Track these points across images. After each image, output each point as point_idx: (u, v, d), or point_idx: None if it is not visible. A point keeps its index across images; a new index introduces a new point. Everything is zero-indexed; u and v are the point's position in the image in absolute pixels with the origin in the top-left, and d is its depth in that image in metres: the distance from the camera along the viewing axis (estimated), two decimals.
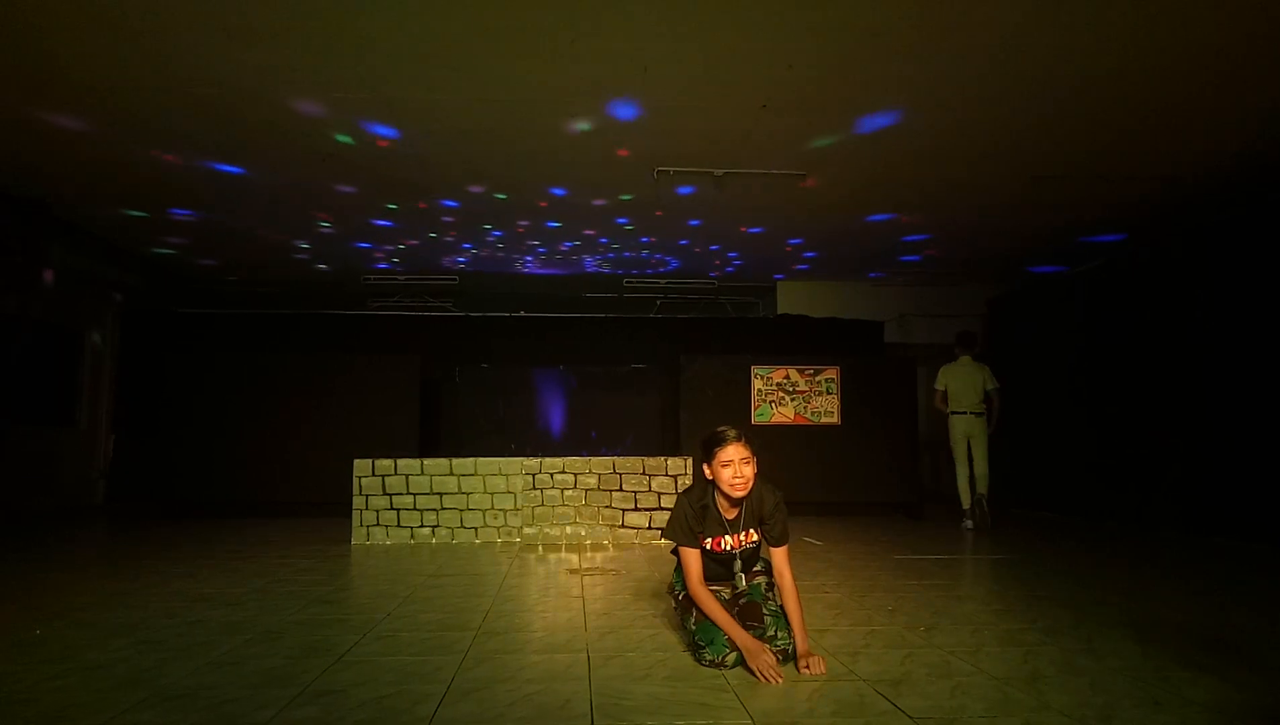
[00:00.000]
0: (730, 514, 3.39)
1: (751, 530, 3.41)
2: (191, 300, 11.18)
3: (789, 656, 3.15)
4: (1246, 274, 7.27)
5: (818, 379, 9.11)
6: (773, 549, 3.37)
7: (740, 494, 3.27)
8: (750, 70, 5.12)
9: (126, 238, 9.15)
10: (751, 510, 3.38)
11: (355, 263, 10.40)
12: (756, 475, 3.32)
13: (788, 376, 9.06)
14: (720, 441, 3.28)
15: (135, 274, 10.04)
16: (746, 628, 3.20)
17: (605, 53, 4.92)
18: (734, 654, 3.08)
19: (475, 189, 7.60)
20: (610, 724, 2.51)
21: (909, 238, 9.11)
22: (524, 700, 2.72)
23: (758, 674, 2.96)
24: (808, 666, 3.05)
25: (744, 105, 5.63)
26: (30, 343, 8.74)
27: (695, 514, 3.36)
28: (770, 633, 3.19)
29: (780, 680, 2.92)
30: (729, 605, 3.37)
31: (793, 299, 11.45)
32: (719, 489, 3.32)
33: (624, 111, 5.76)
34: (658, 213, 8.18)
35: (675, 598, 3.61)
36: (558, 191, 7.57)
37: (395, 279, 11.15)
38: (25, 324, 8.58)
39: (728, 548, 3.41)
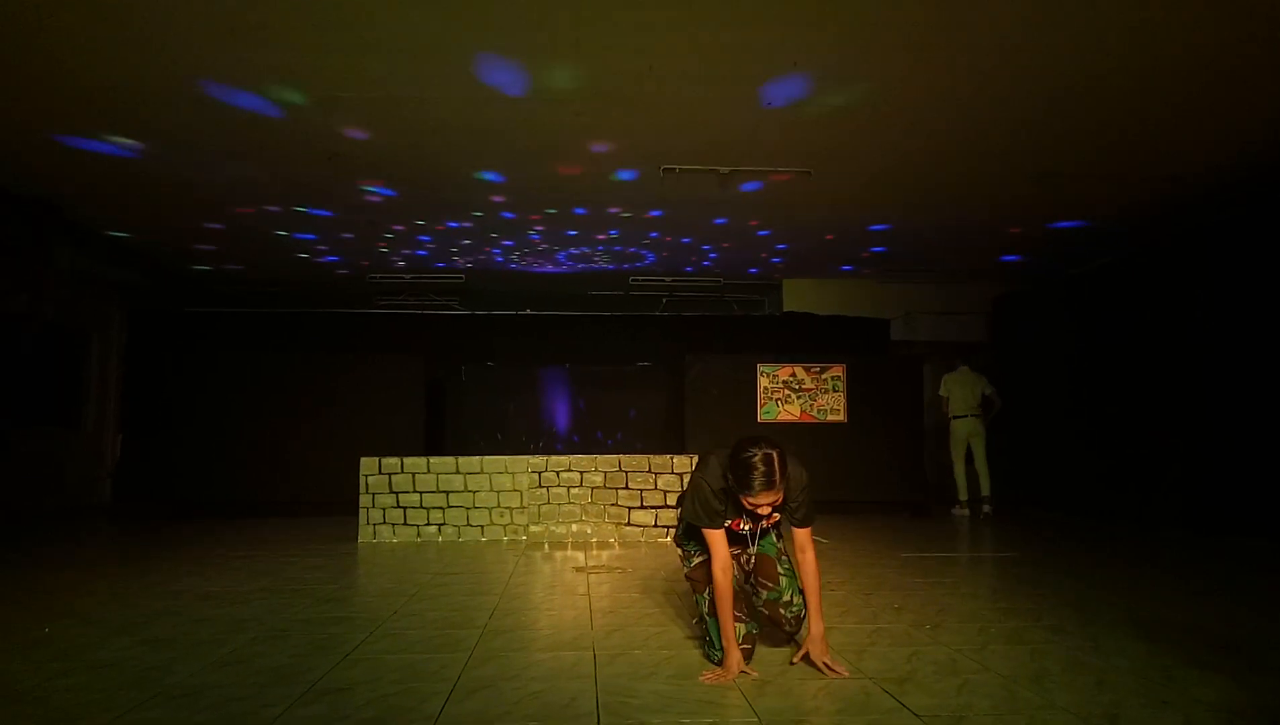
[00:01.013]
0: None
1: (775, 514, 3.18)
2: (197, 300, 11.21)
3: (802, 622, 3.13)
4: (1247, 273, 7.25)
5: (824, 377, 9.10)
6: (795, 529, 3.16)
7: (759, 514, 3.08)
8: (755, 68, 5.11)
9: (133, 238, 9.17)
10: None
11: (360, 261, 10.40)
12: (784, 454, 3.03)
13: (794, 374, 9.05)
14: (749, 484, 2.88)
15: (142, 274, 10.08)
16: (760, 587, 3.18)
17: (610, 52, 4.91)
18: (746, 650, 3.08)
19: (495, 198, 7.64)
20: (616, 722, 2.51)
21: (905, 232, 9.07)
22: (530, 698, 2.72)
23: (713, 674, 2.93)
24: (806, 657, 3.02)
25: (748, 103, 5.62)
26: (37, 343, 8.77)
27: (717, 495, 3.10)
28: (786, 596, 3.14)
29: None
30: (741, 559, 3.30)
31: (798, 297, 11.44)
32: None
33: (628, 110, 5.75)
34: (660, 211, 8.18)
35: (684, 557, 3.41)
36: (559, 190, 7.56)
37: (401, 277, 11.16)
38: (32, 325, 8.60)
39: (746, 529, 3.22)
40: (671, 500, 6.86)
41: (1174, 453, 8.02)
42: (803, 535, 3.15)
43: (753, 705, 2.65)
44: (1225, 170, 6.72)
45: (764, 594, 3.19)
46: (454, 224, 8.75)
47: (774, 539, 3.31)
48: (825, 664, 2.99)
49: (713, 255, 10.24)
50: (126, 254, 9.61)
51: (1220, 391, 7.51)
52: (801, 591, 3.12)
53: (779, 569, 3.19)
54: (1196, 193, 7.26)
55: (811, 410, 9.13)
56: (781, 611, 3.14)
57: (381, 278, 11.10)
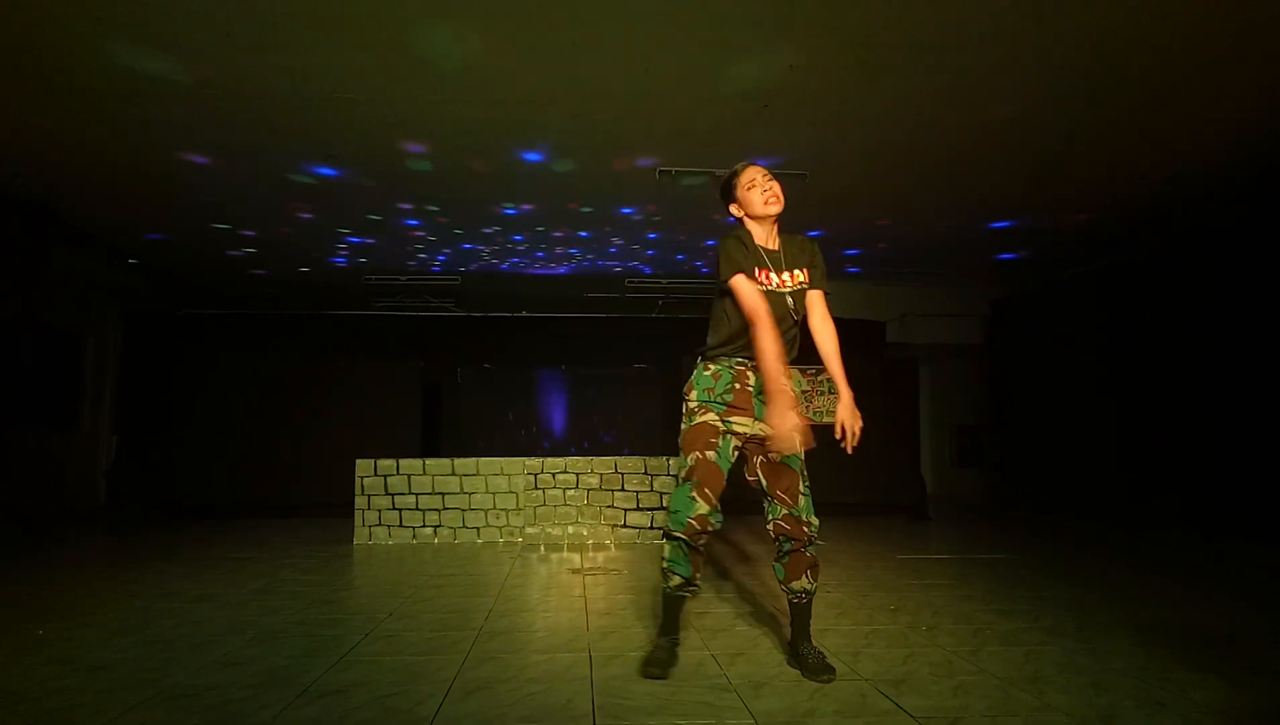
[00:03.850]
0: (772, 245, 3.15)
1: (797, 272, 3.14)
2: (194, 301, 11.19)
3: (815, 542, 3.05)
4: (1247, 274, 7.28)
5: (819, 379, 9.10)
6: (814, 292, 3.18)
7: (776, 208, 3.09)
8: (751, 71, 5.13)
9: (130, 241, 9.15)
10: (793, 252, 3.17)
11: (358, 263, 10.39)
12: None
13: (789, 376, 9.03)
14: (736, 171, 3.18)
15: (139, 276, 10.06)
16: (779, 502, 3.03)
17: (607, 53, 4.92)
18: (679, 579, 3.07)
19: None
20: (612, 724, 2.51)
21: (903, 236, 9.08)
22: (526, 700, 2.72)
23: (776, 433, 2.85)
24: (843, 429, 3.06)
25: (745, 106, 5.63)
26: (34, 345, 8.75)
27: (741, 247, 3.07)
28: (804, 516, 3.02)
29: (801, 448, 2.96)
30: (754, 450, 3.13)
31: None
32: (752, 220, 3.14)
33: (626, 113, 5.76)
34: (655, 213, 8.19)
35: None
36: (559, 192, 7.57)
37: (397, 279, 11.14)
38: (29, 327, 8.58)
39: (776, 284, 3.10)
40: (667, 502, 6.85)
41: (1174, 454, 8.03)
42: (820, 300, 3.21)
43: (749, 707, 2.65)
44: (1225, 170, 6.74)
45: (781, 509, 3.03)
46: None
47: (799, 453, 3.08)
48: (851, 430, 3.06)
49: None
50: (123, 257, 9.59)
51: (1220, 393, 7.53)
52: (810, 505, 3.06)
53: (800, 488, 3.04)
54: (1196, 193, 7.28)
55: (807, 412, 9.13)
56: (805, 530, 3.01)
57: (378, 279, 11.09)
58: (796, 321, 3.18)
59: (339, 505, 7.42)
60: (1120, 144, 6.24)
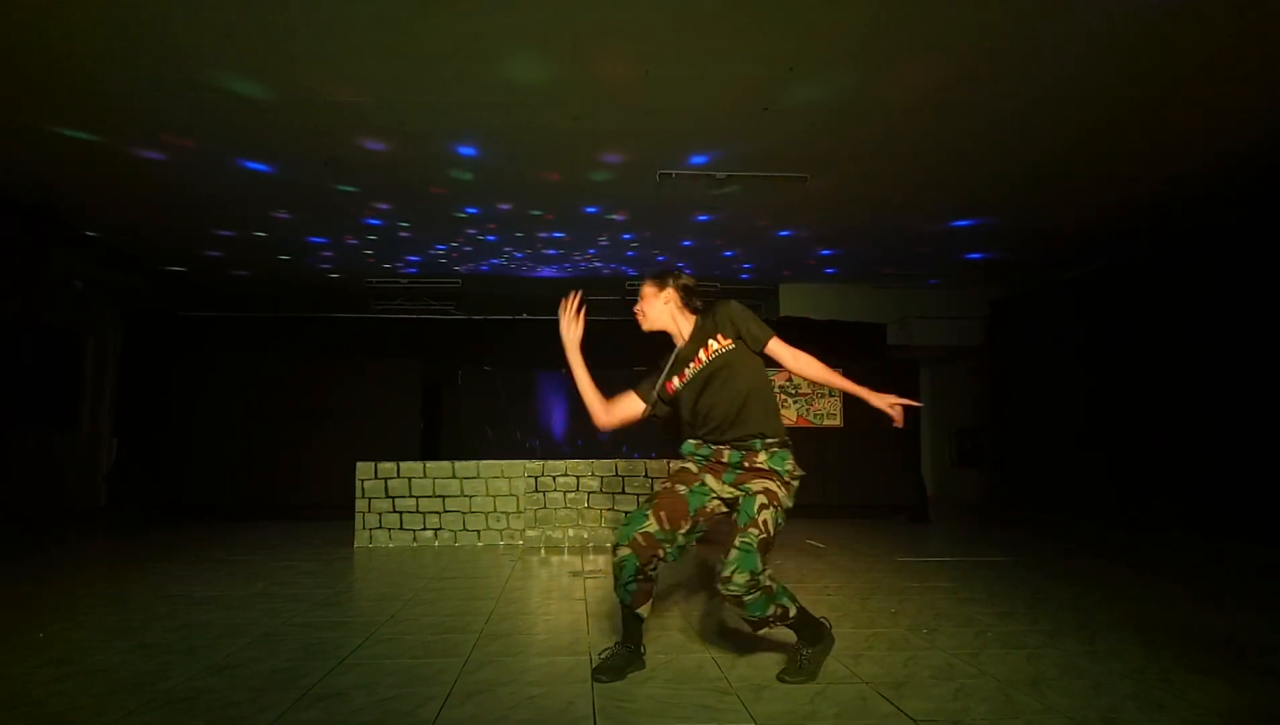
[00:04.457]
0: (684, 337, 3.27)
1: (711, 342, 3.14)
2: (195, 303, 11.18)
3: (741, 603, 2.82)
4: (1248, 275, 7.28)
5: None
6: (771, 348, 3.14)
7: (644, 327, 3.35)
8: (752, 73, 5.12)
9: (130, 242, 9.15)
10: (704, 328, 3.22)
11: (358, 265, 10.39)
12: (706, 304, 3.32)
13: (790, 379, 9.05)
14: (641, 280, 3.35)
15: (139, 277, 10.05)
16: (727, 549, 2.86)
17: (608, 55, 4.91)
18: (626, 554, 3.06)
19: (483, 201, 7.66)
20: None
21: (915, 239, 9.09)
22: (526, 703, 2.72)
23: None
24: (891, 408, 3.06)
25: (746, 108, 5.63)
26: (34, 345, 8.75)
27: (658, 368, 3.31)
28: (727, 572, 2.77)
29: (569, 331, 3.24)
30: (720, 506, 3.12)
31: (795, 301, 11.44)
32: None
33: (625, 113, 5.75)
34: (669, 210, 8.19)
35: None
36: (558, 192, 7.57)
37: (398, 282, 11.15)
38: (29, 327, 8.58)
39: (686, 380, 3.17)
40: None
41: (1174, 455, 8.03)
42: (778, 345, 3.16)
43: (750, 710, 2.65)
44: (1225, 170, 6.74)
45: (722, 557, 2.86)
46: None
47: (753, 505, 2.92)
48: (897, 403, 3.07)
49: (747, 264, 10.29)
50: (124, 257, 9.59)
51: (1220, 394, 7.52)
52: (757, 557, 2.79)
53: (736, 540, 2.85)
54: (1196, 193, 7.28)
55: (808, 415, 9.13)
56: (720, 588, 2.81)
57: (379, 282, 11.09)
58: (736, 396, 3.08)
59: (339, 507, 7.42)
60: (1120, 144, 6.24)
